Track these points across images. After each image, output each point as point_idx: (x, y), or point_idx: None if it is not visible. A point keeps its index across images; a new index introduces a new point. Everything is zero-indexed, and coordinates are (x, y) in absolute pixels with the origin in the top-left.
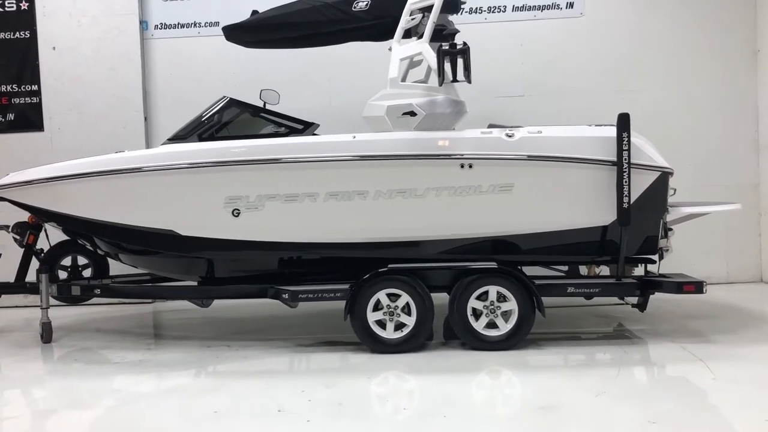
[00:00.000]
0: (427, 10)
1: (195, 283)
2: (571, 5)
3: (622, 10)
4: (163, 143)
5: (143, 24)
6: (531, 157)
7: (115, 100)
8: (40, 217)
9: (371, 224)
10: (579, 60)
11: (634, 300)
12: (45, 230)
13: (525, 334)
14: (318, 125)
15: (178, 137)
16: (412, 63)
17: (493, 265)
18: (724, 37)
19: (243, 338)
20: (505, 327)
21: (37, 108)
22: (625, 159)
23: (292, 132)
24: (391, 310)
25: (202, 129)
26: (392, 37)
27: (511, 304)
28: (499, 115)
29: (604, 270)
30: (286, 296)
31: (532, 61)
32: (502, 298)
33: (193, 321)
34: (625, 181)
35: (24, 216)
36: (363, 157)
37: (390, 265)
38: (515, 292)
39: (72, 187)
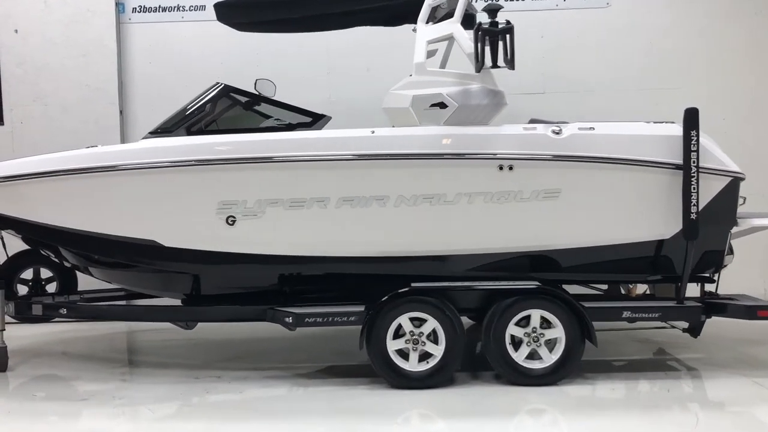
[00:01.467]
0: None
1: (178, 302)
2: None
3: (652, 0)
4: (144, 137)
5: (119, 6)
6: (582, 159)
7: (87, 92)
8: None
9: (391, 235)
10: (605, 54)
11: (685, 324)
12: (1, 239)
13: (573, 367)
14: (330, 118)
15: (163, 130)
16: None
17: (535, 284)
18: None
19: (234, 366)
20: (549, 358)
21: None
22: (694, 162)
23: (299, 126)
24: (415, 337)
25: (191, 121)
26: (401, 23)
27: (557, 331)
28: (514, 115)
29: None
30: (289, 320)
31: (553, 54)
32: (545, 323)
33: (175, 343)
34: (693, 188)
35: None
36: (384, 156)
37: (413, 284)
38: (562, 317)
39: (34, 187)
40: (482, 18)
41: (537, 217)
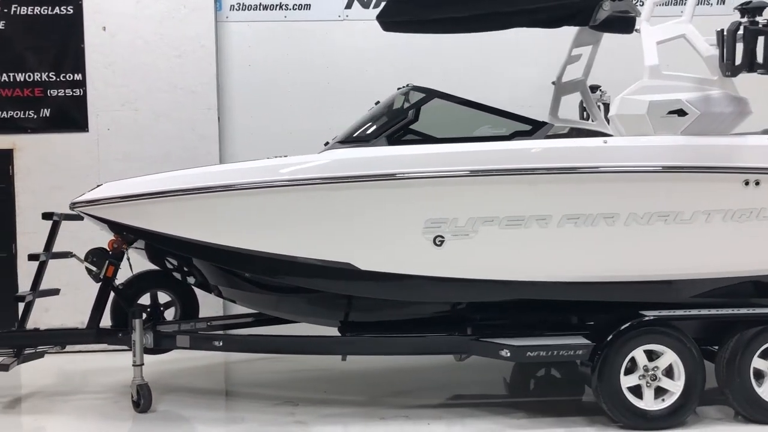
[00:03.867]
0: None
1: (344, 333)
2: None
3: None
4: (330, 147)
5: (217, 3)
6: None
7: (182, 95)
8: (166, 247)
9: (620, 257)
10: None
11: None
12: (128, 259)
13: None
14: (552, 125)
15: (356, 139)
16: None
17: None
18: None
19: (404, 403)
20: None
21: (81, 102)
22: None
23: (516, 134)
24: (652, 372)
25: (393, 128)
26: (562, 25)
27: None
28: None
29: None
30: (506, 353)
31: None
32: None
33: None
34: None
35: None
36: (618, 169)
37: (647, 313)
38: None
39: (217, 205)
40: (733, 18)
41: None
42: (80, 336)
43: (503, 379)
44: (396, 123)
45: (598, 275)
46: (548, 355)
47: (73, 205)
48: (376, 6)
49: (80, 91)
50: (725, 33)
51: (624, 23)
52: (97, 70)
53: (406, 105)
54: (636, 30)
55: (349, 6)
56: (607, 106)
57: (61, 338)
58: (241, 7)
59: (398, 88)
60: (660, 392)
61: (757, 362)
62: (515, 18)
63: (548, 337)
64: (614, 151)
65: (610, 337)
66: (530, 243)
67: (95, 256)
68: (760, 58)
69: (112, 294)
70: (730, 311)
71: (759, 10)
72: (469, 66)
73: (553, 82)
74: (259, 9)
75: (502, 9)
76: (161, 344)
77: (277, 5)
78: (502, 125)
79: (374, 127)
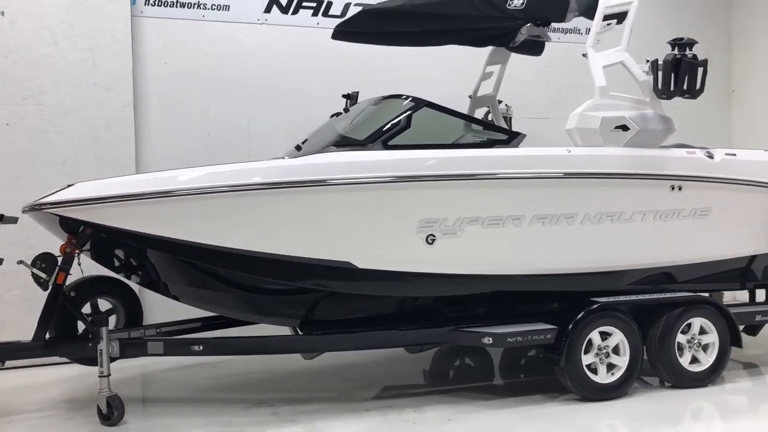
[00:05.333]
0: (617, 16)
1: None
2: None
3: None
4: (324, 149)
5: None
6: (731, 181)
7: (95, 91)
8: (140, 244)
9: (576, 252)
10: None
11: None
12: (79, 264)
13: (724, 368)
14: (525, 135)
15: (352, 143)
16: (485, 75)
17: (703, 296)
18: None
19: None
20: (707, 361)
21: None
22: None
23: (496, 143)
24: (605, 351)
25: (388, 134)
26: (487, 44)
27: (712, 337)
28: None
29: None
30: (488, 340)
31: (557, 83)
32: (702, 330)
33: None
34: None
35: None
36: (580, 175)
37: (600, 299)
38: (716, 324)
39: (220, 206)
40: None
41: (690, 233)
42: (26, 350)
43: (422, 371)
44: (391, 129)
45: (560, 268)
46: (524, 340)
47: (41, 206)
48: (294, 12)
49: None
50: (660, 63)
51: (536, 47)
52: None
53: (398, 112)
54: (583, 55)
55: (268, 10)
56: (509, 120)
57: (2, 353)
58: (156, 2)
59: (385, 96)
60: (610, 367)
61: (679, 338)
62: (455, 36)
63: (519, 324)
64: (575, 159)
65: (574, 321)
66: (507, 240)
67: (44, 262)
68: (695, 85)
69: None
70: (661, 296)
71: (690, 45)
72: (379, 70)
73: (470, 96)
74: (176, 6)
75: (448, 27)
76: (130, 354)
77: (195, 4)
78: (483, 135)
79: (369, 132)
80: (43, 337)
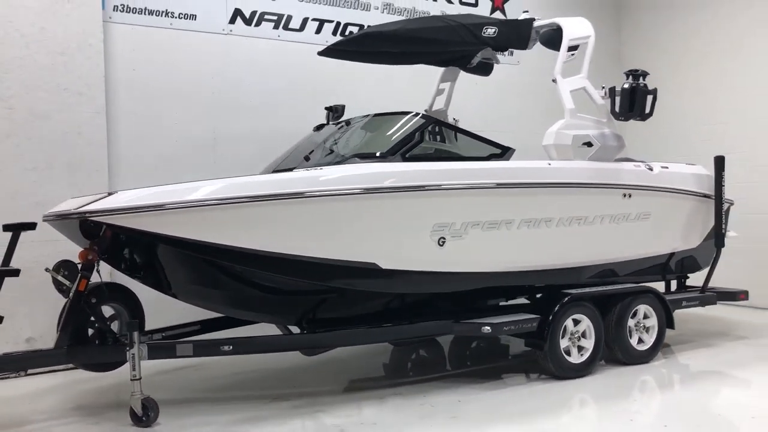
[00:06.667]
0: (577, 47)
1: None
2: (511, 53)
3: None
4: (348, 161)
5: (101, 1)
6: (665, 189)
7: (67, 96)
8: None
9: (552, 251)
10: (516, 101)
11: None
12: (98, 271)
13: (660, 347)
14: (514, 150)
15: (375, 155)
16: (438, 91)
17: (647, 286)
18: None
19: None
20: (649, 341)
21: None
22: (723, 194)
23: (492, 156)
24: (577, 335)
25: (405, 147)
26: (449, 65)
27: (653, 321)
28: None
29: None
30: (487, 329)
31: (488, 100)
32: (645, 315)
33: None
34: (723, 212)
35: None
36: (557, 184)
37: (570, 291)
38: (656, 309)
39: (253, 212)
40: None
41: (634, 234)
42: (49, 357)
43: (382, 364)
44: (408, 143)
45: (540, 265)
46: (515, 328)
47: (86, 214)
48: (257, 24)
49: None
50: (618, 90)
51: (486, 68)
52: None
53: (413, 127)
54: (553, 80)
55: (232, 21)
56: None
57: (26, 362)
58: (125, 8)
59: (395, 113)
60: (580, 350)
61: (630, 322)
62: (429, 57)
63: (507, 315)
64: (554, 171)
65: (554, 312)
66: (501, 242)
67: (67, 269)
68: (646, 110)
69: None
70: (616, 287)
71: (644, 75)
72: (337, 85)
73: (426, 110)
74: (145, 13)
75: (427, 50)
76: (156, 356)
77: (163, 12)
78: (481, 149)
79: (388, 146)
80: (65, 343)
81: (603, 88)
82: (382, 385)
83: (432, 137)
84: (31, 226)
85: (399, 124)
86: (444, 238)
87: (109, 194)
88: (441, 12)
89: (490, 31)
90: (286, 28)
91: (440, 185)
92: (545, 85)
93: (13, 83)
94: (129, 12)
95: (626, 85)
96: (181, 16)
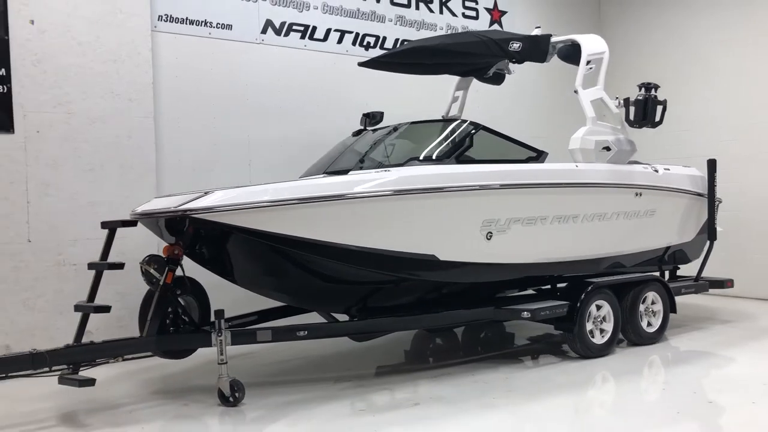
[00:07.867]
0: (595, 62)
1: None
2: None
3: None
4: (407, 163)
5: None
6: (668, 189)
7: (119, 102)
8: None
9: (577, 244)
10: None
11: None
12: (181, 266)
13: (666, 329)
14: (548, 153)
15: (434, 158)
16: (453, 99)
17: (655, 275)
18: None
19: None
20: (656, 324)
21: (5, 101)
22: (715, 194)
23: (529, 159)
24: (599, 319)
25: (459, 150)
26: (470, 75)
27: (659, 306)
28: None
29: None
30: (526, 314)
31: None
32: (653, 301)
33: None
34: (715, 209)
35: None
36: (584, 184)
37: (593, 280)
38: (662, 296)
39: (338, 209)
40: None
41: (641, 229)
42: (140, 345)
43: (403, 351)
44: (461, 147)
45: (568, 256)
46: (550, 314)
47: (186, 212)
48: (286, 34)
49: (4, 88)
50: (632, 100)
51: (499, 77)
52: (24, 66)
53: (463, 133)
54: (575, 91)
55: (264, 31)
56: None
57: (120, 350)
58: (169, 18)
59: (442, 120)
60: (602, 332)
61: (641, 307)
62: (456, 68)
63: (541, 302)
64: (581, 172)
65: (582, 297)
66: (536, 236)
67: (157, 263)
68: (657, 118)
69: None
70: (630, 276)
71: (656, 87)
72: (366, 91)
73: (443, 116)
74: (186, 23)
75: (456, 61)
76: (239, 341)
77: (202, 21)
78: (520, 152)
79: (444, 150)
80: (155, 332)
81: (617, 98)
82: (424, 368)
83: (482, 141)
84: (132, 223)
85: (450, 130)
86: (491, 233)
87: (206, 194)
88: (446, 23)
89: (516, 45)
90: (311, 38)
91: (490, 185)
92: (527, 92)
93: (71, 89)
94: (173, 22)
95: (640, 96)
96: (218, 25)
